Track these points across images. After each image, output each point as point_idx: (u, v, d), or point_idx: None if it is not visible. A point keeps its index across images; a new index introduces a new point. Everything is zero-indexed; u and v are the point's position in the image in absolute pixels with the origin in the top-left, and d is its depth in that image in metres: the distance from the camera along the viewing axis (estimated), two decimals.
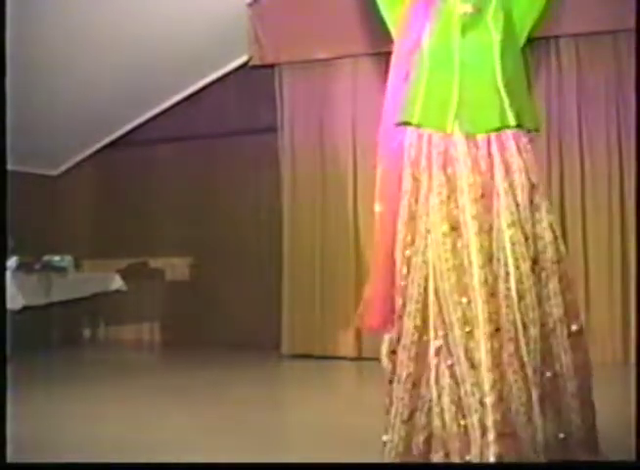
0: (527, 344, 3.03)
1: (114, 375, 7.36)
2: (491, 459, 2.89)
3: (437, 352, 3.10)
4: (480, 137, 3.16)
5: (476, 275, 3.02)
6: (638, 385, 5.31)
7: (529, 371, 3.01)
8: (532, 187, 3.15)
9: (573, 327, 3.15)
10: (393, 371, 3.21)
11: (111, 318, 9.89)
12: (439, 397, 3.08)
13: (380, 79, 3.43)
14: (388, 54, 3.50)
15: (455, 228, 3.09)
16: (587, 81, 7.49)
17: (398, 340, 3.19)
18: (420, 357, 3.15)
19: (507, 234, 3.07)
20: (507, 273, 3.05)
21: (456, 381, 3.04)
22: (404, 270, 3.18)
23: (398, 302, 3.20)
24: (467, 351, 3.01)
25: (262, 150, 8.77)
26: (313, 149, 8.16)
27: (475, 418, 2.96)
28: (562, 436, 3.10)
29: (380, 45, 3.50)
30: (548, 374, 3.10)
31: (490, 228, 3.07)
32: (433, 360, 3.11)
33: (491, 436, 2.91)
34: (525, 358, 3.01)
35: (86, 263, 9.71)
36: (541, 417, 3.02)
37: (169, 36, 7.86)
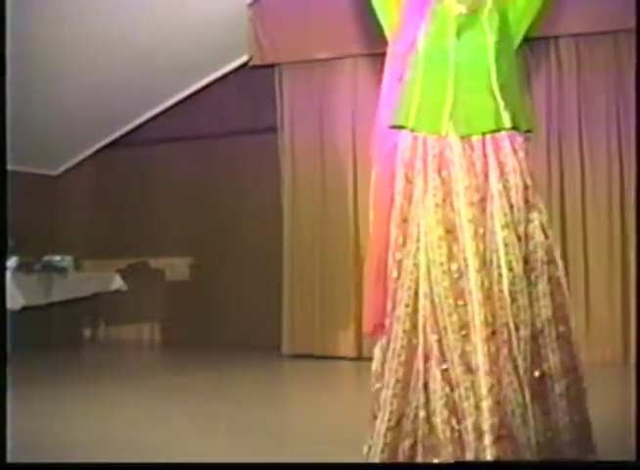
0: (519, 345, 3.01)
1: (114, 375, 7.36)
2: None
3: (427, 356, 3.06)
4: (476, 138, 3.14)
5: (472, 279, 3.00)
6: (638, 385, 5.31)
7: (522, 372, 3.00)
8: (526, 188, 3.13)
9: (561, 328, 3.13)
10: (382, 376, 3.19)
11: (111, 318, 9.90)
12: (427, 401, 3.05)
13: (379, 80, 3.40)
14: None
15: (451, 231, 3.06)
16: (587, 81, 7.49)
17: (388, 344, 3.17)
18: (409, 362, 3.12)
19: (500, 236, 3.05)
20: (500, 275, 3.03)
21: (450, 385, 3.01)
22: (394, 273, 3.16)
23: (388, 305, 3.18)
24: (462, 354, 2.98)
25: (262, 150, 8.77)
26: (313, 149, 8.16)
27: (469, 422, 2.94)
28: (549, 435, 3.09)
29: (379, 46, 3.47)
30: (536, 374, 3.08)
31: (485, 231, 3.06)
32: (421, 365, 3.07)
33: (488, 439, 2.89)
34: (519, 360, 3.00)
35: (86, 263, 9.70)
36: (533, 418, 3.02)
37: (170, 36, 7.86)
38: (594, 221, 7.35)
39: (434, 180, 3.10)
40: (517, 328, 3.02)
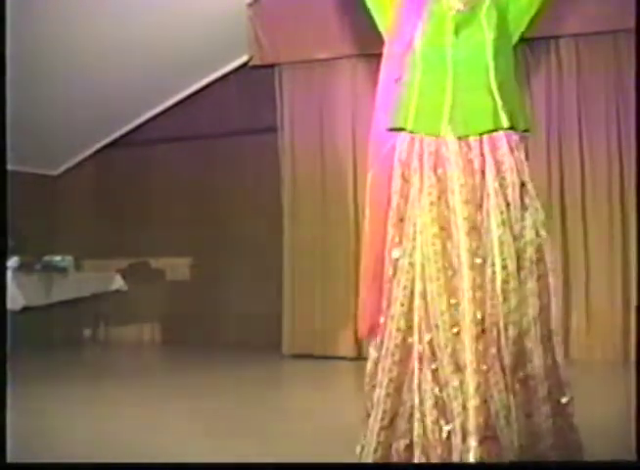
0: (507, 345, 3.00)
1: (113, 375, 7.38)
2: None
3: (421, 355, 3.05)
4: (473, 138, 3.14)
5: (465, 276, 3.00)
6: (638, 385, 5.31)
7: (509, 373, 2.99)
8: (523, 185, 3.13)
9: (545, 330, 3.10)
10: (375, 375, 3.19)
11: (111, 318, 9.90)
12: (421, 402, 3.04)
13: (378, 80, 3.40)
14: None
15: (445, 229, 3.06)
16: (587, 81, 7.50)
17: (382, 343, 3.17)
18: (403, 362, 3.11)
19: (496, 234, 3.04)
20: (493, 273, 3.02)
21: (439, 385, 3.01)
22: (390, 272, 3.16)
23: (383, 304, 3.18)
24: (452, 353, 2.98)
25: (262, 150, 8.78)
26: (313, 149, 8.16)
27: (457, 423, 2.93)
28: (532, 439, 3.06)
29: (379, 46, 3.46)
30: (520, 375, 3.06)
31: (480, 228, 3.05)
32: (416, 364, 3.07)
33: (472, 440, 2.88)
34: (506, 360, 2.99)
35: (87, 263, 9.71)
36: (516, 421, 3.00)
37: (169, 36, 7.86)
38: (594, 220, 7.37)
39: (429, 178, 3.10)
40: (506, 328, 3.01)
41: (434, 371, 3.02)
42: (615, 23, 7.16)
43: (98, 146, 9.93)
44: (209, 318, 9.14)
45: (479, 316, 2.96)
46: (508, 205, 3.09)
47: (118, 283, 9.17)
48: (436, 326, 3.02)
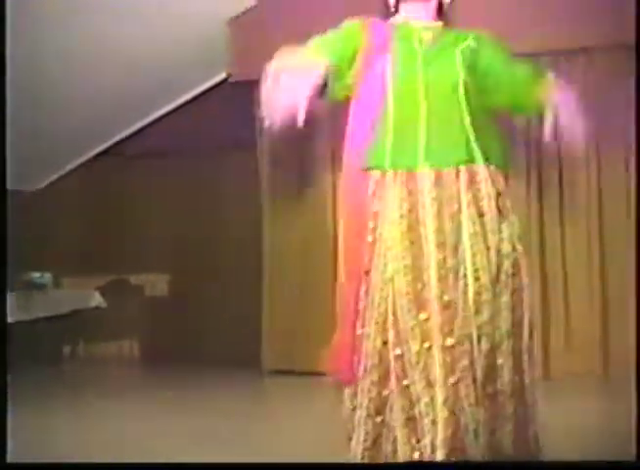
0: (480, 358, 2.98)
1: (93, 391, 7.35)
2: None
3: (396, 373, 3.01)
4: (448, 170, 3.12)
5: (434, 289, 2.99)
6: (638, 385, 5.34)
7: (479, 386, 2.98)
8: (499, 195, 3.14)
9: (516, 345, 3.08)
10: (355, 396, 3.13)
11: (90, 335, 9.86)
12: (394, 421, 3.00)
13: None
14: None
15: (415, 242, 3.05)
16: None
17: (359, 362, 3.11)
18: (382, 382, 3.05)
19: (468, 245, 3.04)
20: (465, 285, 3.02)
21: (411, 401, 2.97)
22: (363, 289, 3.13)
23: (358, 324, 3.13)
24: (424, 368, 2.94)
25: (243, 166, 8.76)
26: (293, 165, 8.17)
27: (427, 440, 2.90)
28: (493, 455, 3.02)
29: None
30: (489, 390, 3.02)
31: (451, 241, 3.05)
32: (394, 384, 3.02)
33: (440, 454, 2.86)
34: (478, 373, 2.96)
35: (66, 280, 9.68)
36: (484, 435, 2.98)
37: (151, 51, 7.89)
38: (572, 236, 7.41)
39: (401, 191, 3.10)
40: (479, 340, 2.99)
41: (406, 388, 2.98)
42: (591, 39, 7.24)
43: (78, 162, 9.91)
44: (189, 334, 9.11)
45: (448, 329, 2.93)
46: (482, 215, 3.08)
47: (97, 300, 9.14)
48: (407, 342, 2.98)
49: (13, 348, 8.44)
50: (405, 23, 3.28)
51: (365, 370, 3.08)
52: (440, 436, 2.87)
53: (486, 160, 3.12)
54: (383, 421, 3.06)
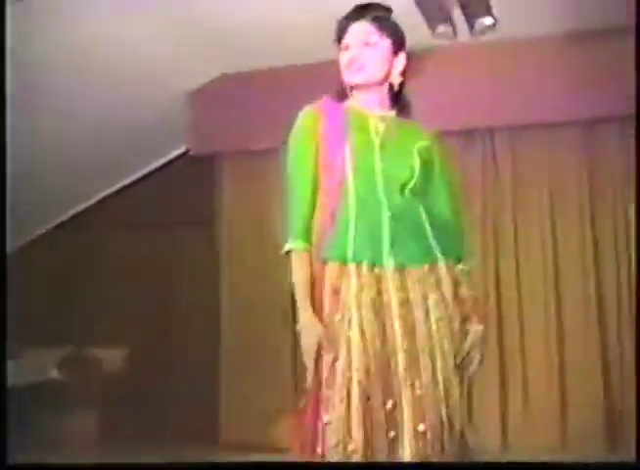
0: (450, 443, 3.00)
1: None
2: None
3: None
4: (410, 268, 3.15)
5: (401, 376, 3.01)
6: (638, 385, 5.33)
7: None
8: (460, 289, 3.19)
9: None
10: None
11: (45, 408, 9.73)
12: None
13: None
14: None
15: (379, 333, 3.06)
16: (522, 171, 7.63)
17: (322, 456, 3.05)
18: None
19: (434, 328, 3.09)
20: (434, 369, 3.05)
21: None
22: (324, 376, 3.08)
23: (320, 412, 3.08)
24: (389, 454, 2.95)
25: (201, 239, 8.77)
26: (253, 241, 8.15)
27: None
28: None
29: None
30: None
31: (418, 326, 3.08)
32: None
33: None
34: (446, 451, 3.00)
35: (21, 352, 9.58)
36: None
37: (114, 122, 7.92)
38: (530, 310, 7.45)
39: (362, 284, 3.10)
40: (451, 426, 3.03)
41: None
42: (548, 115, 7.37)
43: (37, 233, 9.87)
44: (146, 409, 9.02)
45: (418, 416, 2.95)
46: (444, 300, 3.13)
47: (53, 372, 9.05)
48: (372, 429, 2.97)
49: None
50: (360, 110, 3.33)
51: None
52: None
53: (446, 256, 3.18)
54: None
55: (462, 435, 3.07)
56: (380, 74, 3.33)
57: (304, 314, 3.14)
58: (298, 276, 3.20)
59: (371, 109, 3.33)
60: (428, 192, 3.31)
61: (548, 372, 7.38)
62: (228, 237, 8.36)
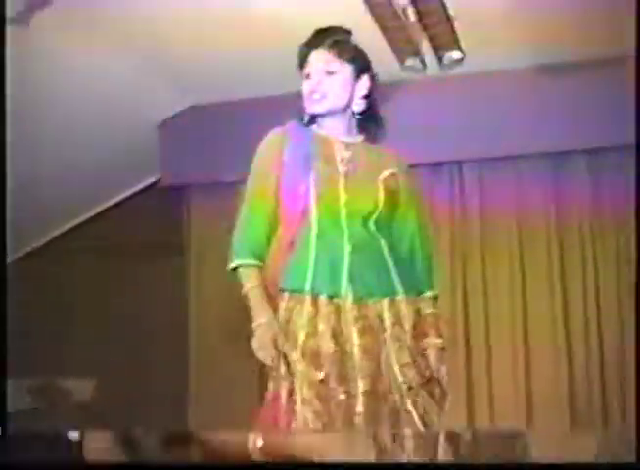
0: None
1: None
2: None
3: None
4: (372, 301, 3.15)
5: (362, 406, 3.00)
6: (638, 384, 5.32)
7: None
8: (423, 321, 3.18)
9: None
10: None
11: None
12: None
13: None
14: None
15: (338, 362, 3.05)
16: (490, 203, 7.64)
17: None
18: None
19: (394, 359, 3.07)
20: (402, 396, 3.05)
21: None
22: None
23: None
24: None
25: (170, 271, 8.73)
26: (220, 272, 8.10)
27: None
28: None
29: None
30: None
31: (380, 357, 3.06)
32: None
33: None
34: None
35: None
36: None
37: (82, 152, 7.90)
38: (499, 350, 7.47)
39: (319, 315, 3.08)
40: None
41: None
42: (515, 148, 7.40)
43: (11, 258, 9.80)
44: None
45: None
46: (405, 332, 3.12)
47: (25, 402, 8.95)
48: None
49: None
50: (326, 136, 3.31)
51: None
52: None
53: (408, 291, 3.16)
54: None
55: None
56: (342, 102, 3.31)
57: (261, 313, 3.16)
58: (249, 284, 3.18)
59: (337, 135, 3.31)
60: (393, 221, 3.30)
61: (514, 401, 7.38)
62: (197, 268, 8.33)
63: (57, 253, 9.53)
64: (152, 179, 8.70)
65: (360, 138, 3.39)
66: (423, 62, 6.53)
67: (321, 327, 3.07)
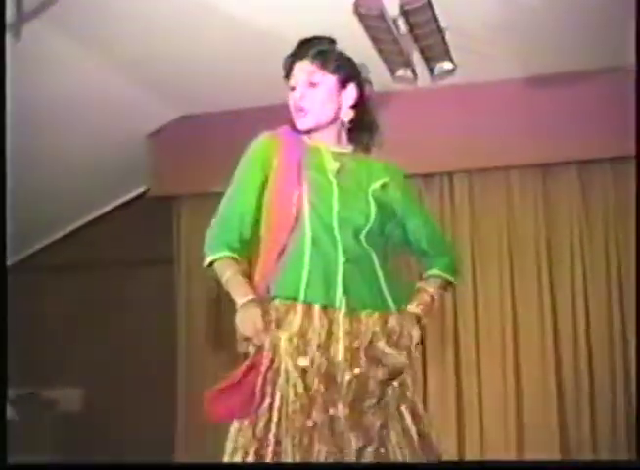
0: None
1: None
2: None
3: None
4: (364, 314, 3.12)
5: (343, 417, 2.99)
6: (638, 385, 5.28)
7: None
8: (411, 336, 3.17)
9: None
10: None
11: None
12: None
13: None
14: None
15: (328, 379, 3.03)
16: (480, 214, 7.64)
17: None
18: None
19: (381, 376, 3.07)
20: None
21: None
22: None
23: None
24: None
25: (159, 281, 8.71)
26: (210, 283, 8.10)
27: None
28: None
29: None
30: None
31: (365, 373, 3.06)
32: None
33: None
34: None
35: None
36: None
37: (71, 163, 7.88)
38: (489, 368, 7.46)
39: (311, 324, 3.05)
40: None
41: None
42: (506, 159, 7.40)
43: None
44: (103, 450, 8.91)
45: None
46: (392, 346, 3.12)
47: (8, 413, 8.90)
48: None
49: None
50: (316, 146, 3.27)
51: None
52: None
53: (398, 305, 3.15)
54: None
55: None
56: (328, 115, 3.26)
57: (246, 292, 3.08)
58: (228, 273, 3.14)
59: (327, 145, 3.28)
60: (405, 226, 3.30)
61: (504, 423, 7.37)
62: (186, 277, 8.29)
63: (42, 263, 9.51)
64: (141, 189, 8.67)
65: (350, 148, 3.34)
66: (414, 73, 6.52)
67: (309, 336, 3.04)
